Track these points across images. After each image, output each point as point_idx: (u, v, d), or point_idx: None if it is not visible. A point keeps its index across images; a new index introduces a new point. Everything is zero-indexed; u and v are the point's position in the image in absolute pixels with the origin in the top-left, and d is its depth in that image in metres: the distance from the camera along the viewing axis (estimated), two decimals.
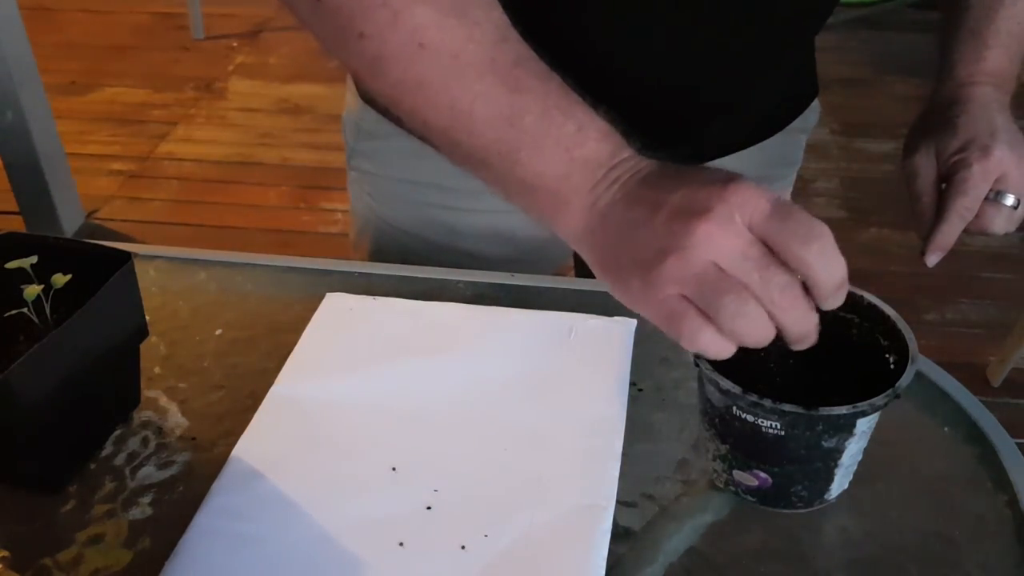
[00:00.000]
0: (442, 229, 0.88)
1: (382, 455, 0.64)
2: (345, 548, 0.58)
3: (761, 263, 0.48)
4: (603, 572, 0.57)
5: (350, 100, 0.89)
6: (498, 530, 0.59)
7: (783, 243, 0.48)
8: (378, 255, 0.92)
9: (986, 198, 0.72)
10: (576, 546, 0.58)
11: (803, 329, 0.50)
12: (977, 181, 0.72)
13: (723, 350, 0.50)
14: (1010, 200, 0.73)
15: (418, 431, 0.66)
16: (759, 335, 0.49)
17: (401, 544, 0.58)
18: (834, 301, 0.50)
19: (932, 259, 0.75)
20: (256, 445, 0.65)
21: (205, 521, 0.60)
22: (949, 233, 0.73)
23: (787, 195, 0.95)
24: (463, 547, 0.58)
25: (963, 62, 0.77)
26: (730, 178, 0.49)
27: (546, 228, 0.56)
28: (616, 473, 0.63)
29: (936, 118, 0.76)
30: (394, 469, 0.63)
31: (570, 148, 0.53)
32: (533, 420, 0.67)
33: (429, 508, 0.61)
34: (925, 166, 0.75)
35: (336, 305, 0.78)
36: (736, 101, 0.81)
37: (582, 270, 0.96)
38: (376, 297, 0.79)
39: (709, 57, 0.72)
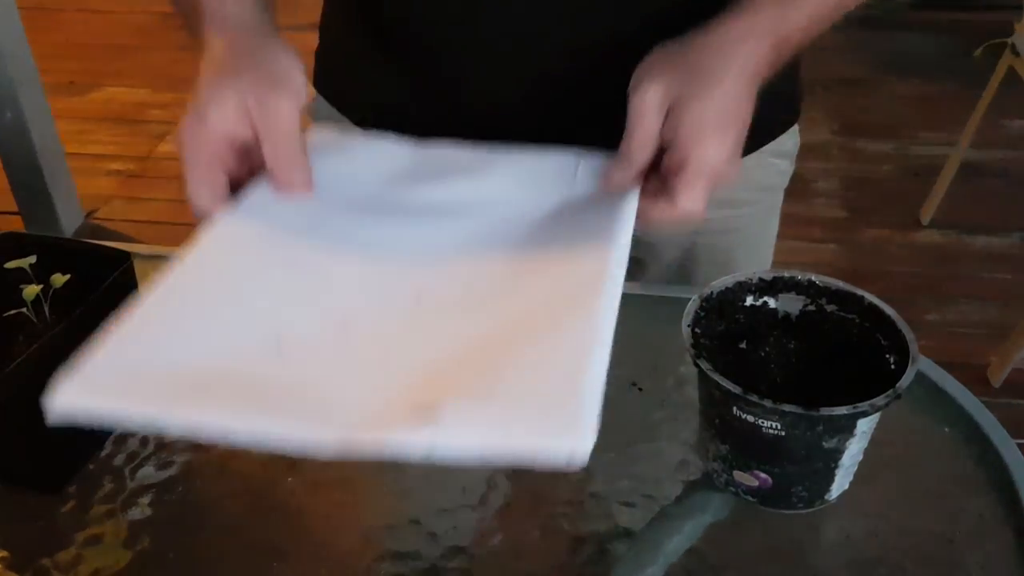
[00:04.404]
0: None
1: (367, 275, 0.60)
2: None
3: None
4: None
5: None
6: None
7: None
8: None
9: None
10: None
11: None
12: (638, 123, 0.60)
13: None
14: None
15: (402, 263, 0.62)
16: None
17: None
18: None
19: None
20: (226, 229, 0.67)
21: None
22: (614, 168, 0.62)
23: (774, 222, 0.91)
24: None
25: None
26: None
27: None
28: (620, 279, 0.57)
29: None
30: (378, 282, 0.60)
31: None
32: (527, 253, 0.62)
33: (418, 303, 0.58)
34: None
35: (322, 140, 0.72)
36: None
37: None
38: (365, 130, 0.75)
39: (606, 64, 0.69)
